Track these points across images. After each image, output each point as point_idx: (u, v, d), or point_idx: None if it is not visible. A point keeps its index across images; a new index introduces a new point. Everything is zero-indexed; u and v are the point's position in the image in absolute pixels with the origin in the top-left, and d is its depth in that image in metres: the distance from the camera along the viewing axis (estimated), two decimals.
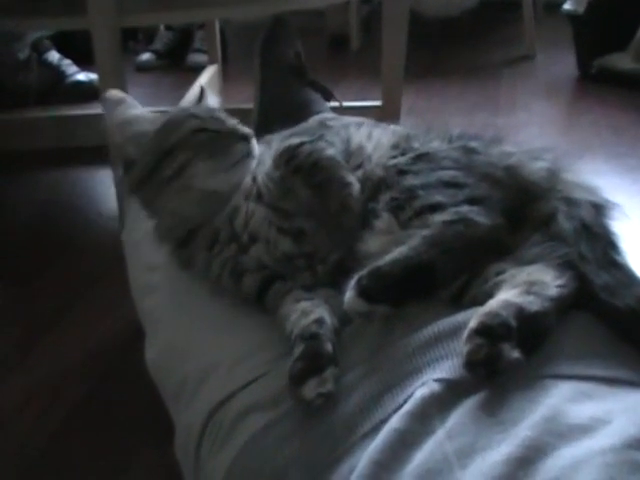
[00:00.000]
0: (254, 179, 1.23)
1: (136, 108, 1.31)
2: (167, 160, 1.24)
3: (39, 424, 1.64)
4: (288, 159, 1.19)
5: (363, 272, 1.00)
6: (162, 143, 1.26)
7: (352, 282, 1.00)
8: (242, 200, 1.21)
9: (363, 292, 0.99)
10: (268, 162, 1.24)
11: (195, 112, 1.31)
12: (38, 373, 1.79)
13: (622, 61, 3.59)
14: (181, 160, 1.23)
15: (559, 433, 0.79)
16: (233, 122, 1.30)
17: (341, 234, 1.15)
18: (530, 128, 3.08)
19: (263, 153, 1.29)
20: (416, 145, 1.22)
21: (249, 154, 1.27)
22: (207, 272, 1.23)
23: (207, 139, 1.26)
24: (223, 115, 1.32)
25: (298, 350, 1.01)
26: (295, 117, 1.59)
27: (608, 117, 3.18)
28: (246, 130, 1.29)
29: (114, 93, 1.30)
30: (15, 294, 2.13)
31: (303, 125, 1.55)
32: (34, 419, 1.65)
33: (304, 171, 1.17)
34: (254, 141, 1.29)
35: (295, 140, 1.22)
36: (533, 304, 0.92)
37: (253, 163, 1.27)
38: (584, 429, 0.79)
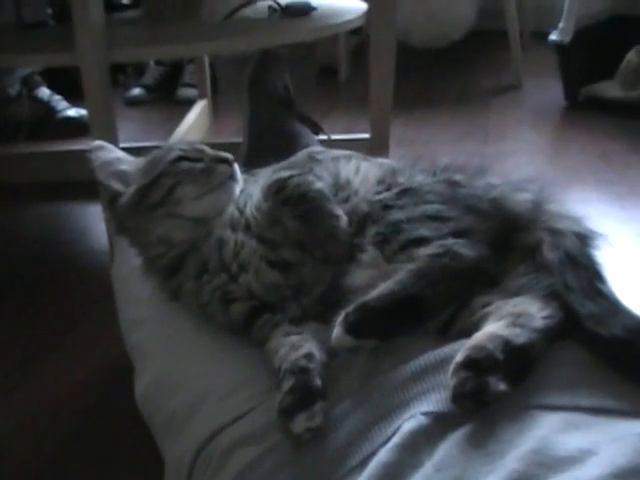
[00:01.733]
0: (241, 211, 1.25)
1: (116, 152, 1.37)
2: (153, 188, 1.29)
3: (30, 455, 1.63)
4: (277, 191, 1.20)
5: (350, 308, 1.01)
6: (148, 174, 1.31)
7: (339, 318, 1.01)
8: (229, 231, 1.23)
9: (350, 328, 0.99)
10: (256, 195, 1.25)
11: (177, 146, 1.36)
12: (30, 405, 1.78)
13: (610, 89, 3.62)
14: (166, 186, 1.28)
15: (547, 465, 0.79)
16: (214, 151, 1.35)
17: (327, 266, 1.16)
18: (519, 156, 3.08)
19: (251, 186, 1.31)
20: (401, 180, 1.23)
21: (231, 177, 1.31)
22: (196, 299, 1.24)
23: (189, 166, 1.30)
24: (204, 146, 1.37)
25: (287, 384, 1.01)
26: (284, 150, 1.60)
27: (596, 145, 3.19)
28: (227, 155, 1.33)
29: (97, 142, 1.36)
30: (4, 327, 2.12)
31: (292, 159, 1.57)
32: (25, 450, 1.64)
33: (292, 203, 1.18)
34: (236, 165, 1.33)
35: (284, 173, 1.24)
36: (519, 336, 0.93)
37: (236, 188, 1.31)
38: (572, 460, 0.79)
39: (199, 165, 1.31)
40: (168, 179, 1.29)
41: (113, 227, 1.37)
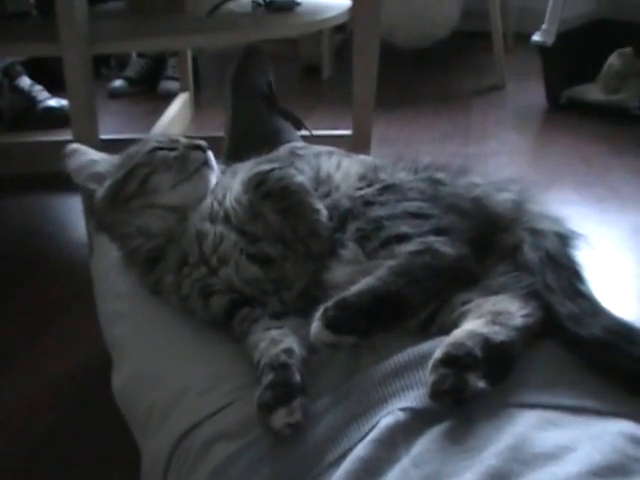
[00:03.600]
0: (220, 203, 1.24)
1: (91, 154, 1.37)
2: (128, 179, 1.29)
3: (8, 453, 1.62)
4: (257, 184, 1.20)
5: (329, 303, 1.00)
6: (123, 168, 1.31)
7: (318, 313, 1.00)
8: (208, 223, 1.22)
9: (330, 323, 0.99)
10: (236, 187, 1.25)
11: (153, 138, 1.37)
12: (8, 402, 1.77)
13: (591, 92, 3.64)
14: (141, 175, 1.28)
15: (524, 461, 0.79)
16: (188, 139, 1.36)
17: (308, 261, 1.16)
18: (500, 157, 3.10)
19: (230, 179, 1.30)
20: (383, 176, 1.23)
21: (205, 163, 1.31)
22: (176, 293, 1.23)
23: (164, 155, 1.31)
24: (179, 137, 1.38)
25: (267, 379, 1.01)
26: (266, 145, 1.60)
27: (577, 147, 3.21)
28: (200, 142, 1.34)
29: (71, 147, 1.36)
30: None
31: (273, 153, 1.56)
32: (2, 448, 1.63)
33: (273, 196, 1.18)
34: (210, 152, 1.33)
35: (265, 166, 1.24)
36: (498, 334, 0.93)
37: (212, 174, 1.31)
38: (549, 456, 0.79)
39: (173, 153, 1.31)
40: (143, 168, 1.29)
41: (93, 225, 1.37)
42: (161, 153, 1.31)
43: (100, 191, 1.31)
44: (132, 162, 1.31)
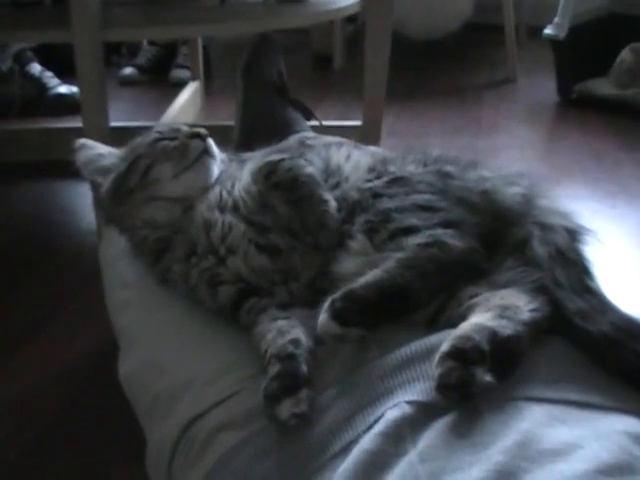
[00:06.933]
0: (229, 192, 1.24)
1: (98, 148, 1.37)
2: (130, 172, 1.29)
3: (12, 439, 1.62)
4: (267, 174, 1.20)
5: (337, 295, 1.00)
6: (127, 159, 1.31)
7: (325, 305, 1.00)
8: (217, 212, 1.22)
9: (336, 315, 0.99)
10: (245, 177, 1.25)
11: (155, 129, 1.37)
12: (13, 387, 1.78)
13: (603, 86, 3.62)
14: (142, 167, 1.28)
15: (531, 458, 0.79)
16: (188, 128, 1.35)
17: (316, 252, 1.16)
18: (510, 151, 3.09)
19: (239, 169, 1.30)
20: (392, 169, 1.23)
21: (206, 151, 1.30)
22: (184, 282, 1.23)
23: (164, 145, 1.30)
24: (180, 125, 1.37)
25: (273, 370, 1.01)
26: (276, 135, 1.60)
27: (588, 142, 3.20)
28: (200, 130, 1.33)
29: (79, 141, 1.36)
30: None
31: (283, 143, 1.56)
32: (7, 434, 1.64)
33: (283, 187, 1.18)
34: (210, 140, 1.32)
35: (275, 156, 1.23)
36: (506, 328, 0.93)
37: (213, 163, 1.31)
38: (556, 454, 0.79)
39: (173, 143, 1.31)
40: (144, 160, 1.29)
41: (103, 217, 1.39)
42: (162, 144, 1.31)
43: (104, 185, 1.31)
44: (134, 154, 1.31)
